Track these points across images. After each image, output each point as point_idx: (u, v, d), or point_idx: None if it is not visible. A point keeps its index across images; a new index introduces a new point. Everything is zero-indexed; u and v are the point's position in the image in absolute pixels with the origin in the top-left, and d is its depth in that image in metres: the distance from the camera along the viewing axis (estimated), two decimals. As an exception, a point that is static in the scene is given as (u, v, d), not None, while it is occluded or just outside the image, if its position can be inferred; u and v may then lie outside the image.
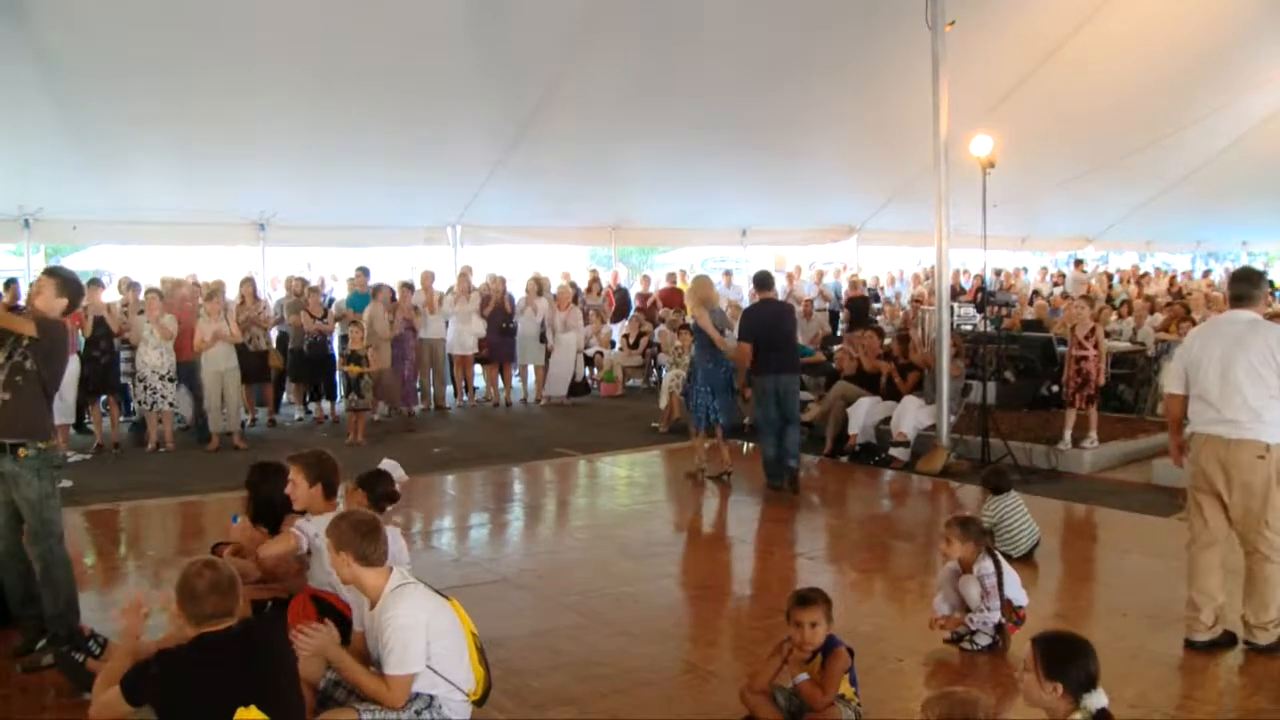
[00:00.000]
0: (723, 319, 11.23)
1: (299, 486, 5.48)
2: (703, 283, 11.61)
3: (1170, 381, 6.33)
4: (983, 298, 12.25)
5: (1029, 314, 17.62)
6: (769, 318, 10.54)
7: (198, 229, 16.34)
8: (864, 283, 22.37)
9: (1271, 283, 13.32)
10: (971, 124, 12.86)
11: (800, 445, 10.69)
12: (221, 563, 4.07)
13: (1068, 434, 11.24)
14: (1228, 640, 5.90)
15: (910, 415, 11.77)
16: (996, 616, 5.81)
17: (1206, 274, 29.01)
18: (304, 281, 15.75)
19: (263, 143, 14.48)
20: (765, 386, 10.34)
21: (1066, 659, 3.55)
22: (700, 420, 10.95)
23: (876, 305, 21.35)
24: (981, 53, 15.14)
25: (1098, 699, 3.51)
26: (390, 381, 14.57)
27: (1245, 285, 6.10)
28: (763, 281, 10.94)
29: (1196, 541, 6.02)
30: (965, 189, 11.84)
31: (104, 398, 13.00)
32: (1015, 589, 5.93)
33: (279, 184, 15.71)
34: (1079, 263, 27.89)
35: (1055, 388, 12.79)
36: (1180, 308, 16.95)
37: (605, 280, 20.60)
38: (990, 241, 12.11)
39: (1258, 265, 32.59)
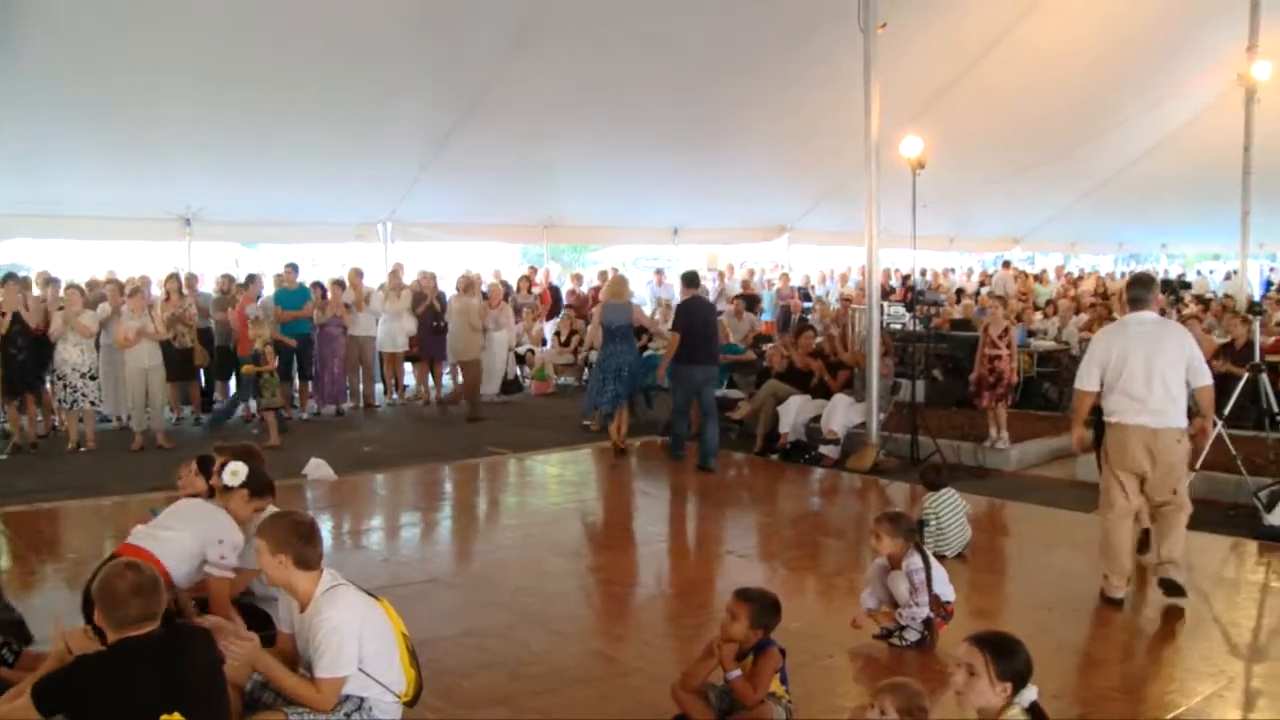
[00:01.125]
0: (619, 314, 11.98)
1: (225, 494, 5.39)
2: (618, 280, 12.90)
3: (1085, 380, 6.90)
4: (912, 297, 12.36)
5: (957, 313, 17.83)
6: (698, 313, 11.56)
7: (121, 223, 16.05)
8: (755, 283, 22.49)
9: (1186, 284, 13.64)
10: (902, 125, 12.98)
11: (718, 442, 11.56)
12: (144, 564, 3.97)
13: (993, 431, 11.41)
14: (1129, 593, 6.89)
15: (840, 413, 11.87)
16: (925, 612, 5.86)
17: (1125, 276, 29.65)
18: (231, 278, 15.51)
19: (188, 135, 14.20)
20: (687, 376, 11.43)
21: (1011, 657, 3.59)
22: (590, 405, 12.61)
23: (808, 304, 21.48)
24: (912, 55, 15.28)
25: (1030, 694, 3.56)
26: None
27: (1141, 289, 6.96)
28: (691, 279, 11.97)
29: (1115, 511, 6.81)
30: (895, 189, 11.95)
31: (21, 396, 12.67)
32: (943, 584, 5.99)
33: (205, 178, 15.41)
34: (1006, 264, 28.30)
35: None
36: (1104, 308, 17.27)
37: (538, 278, 20.55)
38: (920, 241, 12.24)
39: (1175, 267, 33.56)
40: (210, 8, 12.06)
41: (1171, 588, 6.70)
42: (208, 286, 16.10)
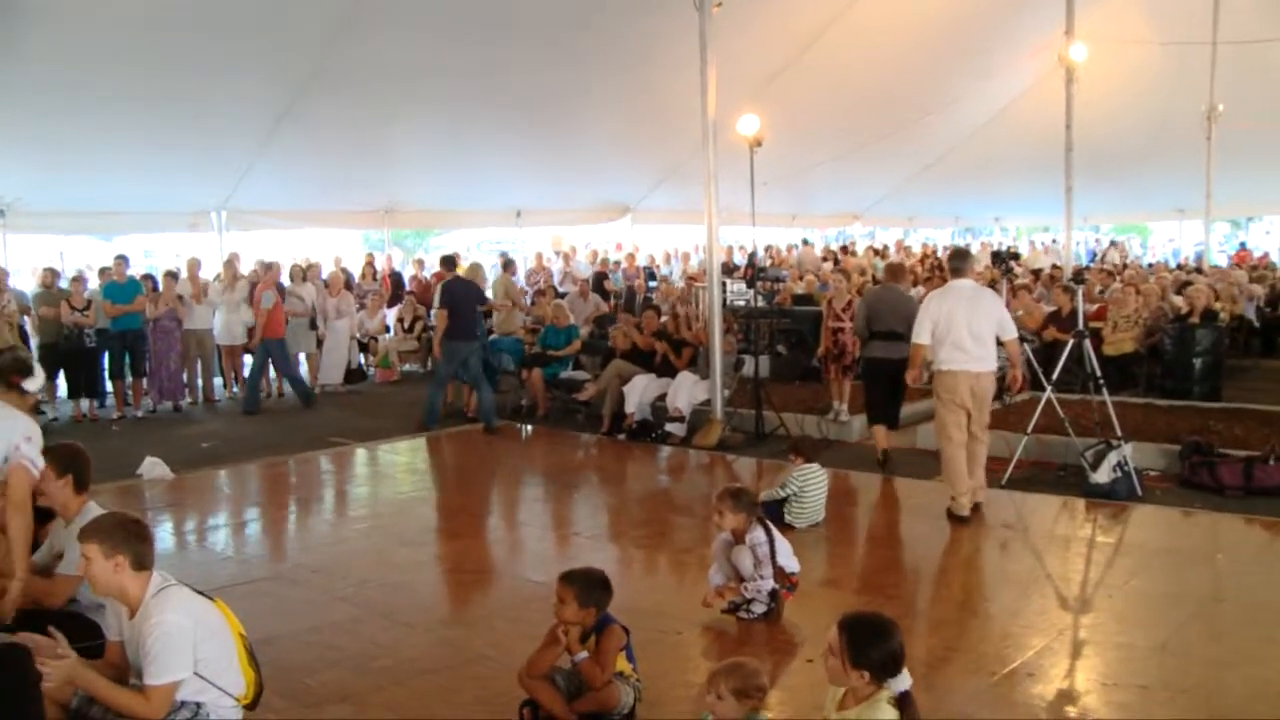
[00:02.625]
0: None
1: (46, 480, 5.14)
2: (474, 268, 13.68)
3: (920, 335, 8.31)
4: (754, 274, 12.51)
5: (800, 289, 18.13)
6: (461, 293, 12.85)
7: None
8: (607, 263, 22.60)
9: (1016, 254, 14.17)
10: (741, 104, 13.10)
11: (493, 404, 12.81)
12: None
13: (836, 404, 11.63)
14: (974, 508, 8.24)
15: (685, 391, 11.96)
16: (770, 584, 5.94)
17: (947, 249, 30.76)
18: (55, 272, 14.85)
19: (4, 124, 13.57)
20: (453, 351, 12.67)
21: (871, 646, 3.55)
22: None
23: (653, 284, 21.62)
24: (750, 35, 15.48)
25: (901, 682, 3.55)
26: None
27: (959, 261, 8.68)
28: (449, 262, 13.84)
29: (953, 443, 8.22)
30: (735, 168, 12.07)
31: None
32: (787, 556, 6.08)
33: (20, 167, 14.73)
34: (845, 248, 28.94)
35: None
36: (940, 279, 17.74)
37: (380, 264, 20.23)
38: (761, 219, 12.39)
39: (1009, 239, 34.80)
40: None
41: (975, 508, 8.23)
42: (23, 281, 15.39)
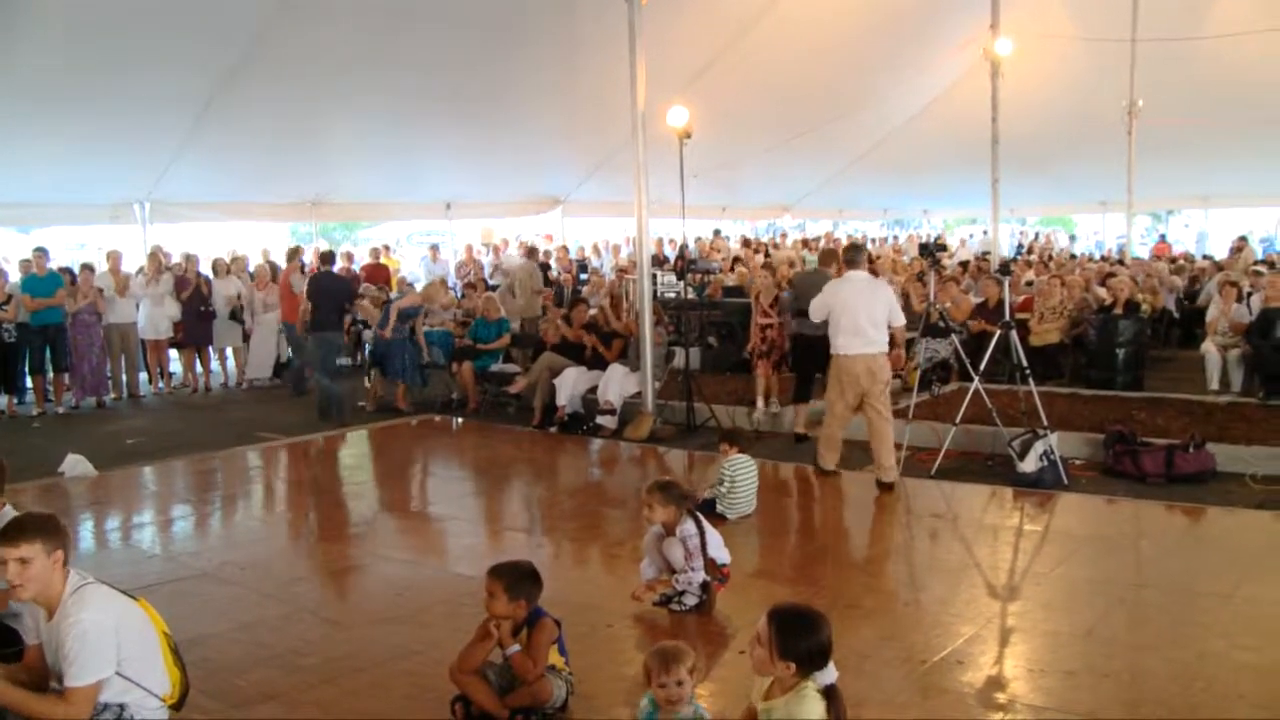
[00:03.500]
0: None
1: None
2: None
3: (815, 313, 9.25)
4: (684, 266, 12.54)
5: (731, 280, 18.19)
6: (326, 286, 13.73)
7: None
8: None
9: (943, 246, 14.37)
10: (670, 96, 13.09)
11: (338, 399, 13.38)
12: None
13: (760, 400, 11.64)
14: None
15: (616, 383, 11.97)
16: (701, 576, 5.96)
17: (895, 240, 31.06)
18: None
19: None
20: (319, 340, 13.49)
21: (799, 637, 3.57)
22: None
23: (584, 276, 21.60)
24: (679, 27, 15.50)
25: (828, 674, 3.58)
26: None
27: (855, 253, 9.68)
28: (326, 257, 14.74)
29: (836, 417, 9.20)
30: (665, 159, 12.08)
31: None
32: (718, 548, 6.10)
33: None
34: (784, 235, 29.09)
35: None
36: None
37: (308, 258, 19.98)
38: (691, 211, 12.41)
39: (937, 230, 35.24)
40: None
41: (884, 487, 8.82)
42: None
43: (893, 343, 9.17)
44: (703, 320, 13.71)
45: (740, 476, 8.06)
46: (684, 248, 14.84)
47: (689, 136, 11.91)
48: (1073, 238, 34.29)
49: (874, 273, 11.88)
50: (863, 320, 8.86)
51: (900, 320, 9.22)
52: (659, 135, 11.95)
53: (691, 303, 12.82)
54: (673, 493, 6.06)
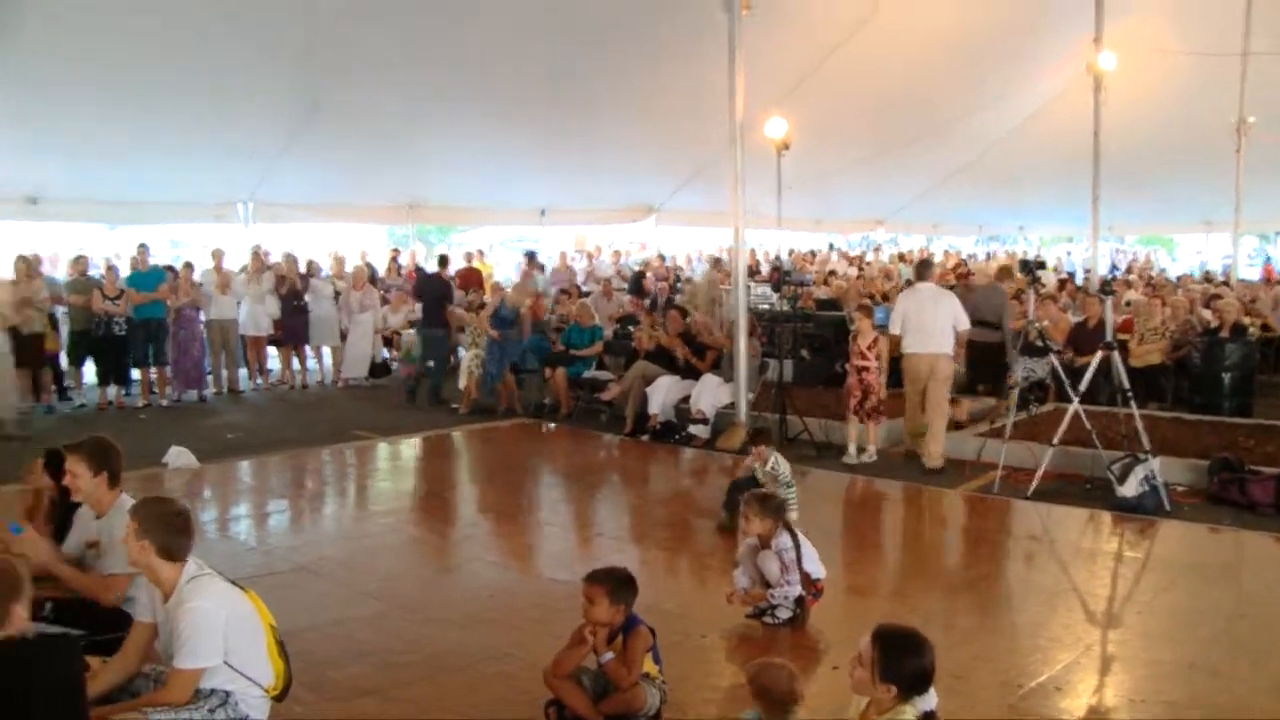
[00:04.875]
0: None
1: (80, 478, 5.15)
2: None
3: (892, 324, 10.88)
4: (780, 278, 12.47)
5: (824, 293, 18.09)
6: (429, 288, 15.50)
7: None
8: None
9: (1042, 264, 14.14)
10: (768, 106, 13.08)
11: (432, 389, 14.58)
12: (8, 563, 3.78)
13: (852, 447, 10.87)
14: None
15: (709, 393, 11.95)
16: (796, 590, 5.93)
17: (989, 257, 30.62)
18: (86, 261, 14.97)
19: (34, 114, 13.64)
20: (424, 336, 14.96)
21: (903, 660, 3.50)
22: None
23: (679, 284, 21.61)
24: (778, 37, 15.40)
25: (928, 700, 3.52)
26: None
27: (923, 269, 11.87)
28: (443, 261, 16.99)
29: (910, 404, 10.75)
30: (762, 170, 12.05)
31: None
32: (813, 563, 6.06)
33: (48, 156, 14.81)
34: (877, 249, 28.84)
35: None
36: (964, 287, 17.69)
37: (404, 260, 20.29)
38: (786, 223, 12.36)
39: (1033, 248, 34.71)
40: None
41: (930, 472, 10.11)
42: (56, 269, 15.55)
43: (957, 342, 10.74)
44: (796, 332, 13.64)
45: (784, 470, 8.07)
46: (779, 259, 14.78)
47: (787, 148, 11.88)
48: (1173, 258, 33.53)
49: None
50: (927, 324, 10.47)
51: (964, 325, 10.70)
52: (755, 145, 11.91)
53: (785, 314, 12.77)
54: (770, 505, 6.06)
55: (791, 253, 24.55)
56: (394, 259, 20.55)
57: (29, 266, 13.78)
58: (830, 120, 19.20)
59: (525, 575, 7.44)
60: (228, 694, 4.18)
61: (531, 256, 22.25)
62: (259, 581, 6.55)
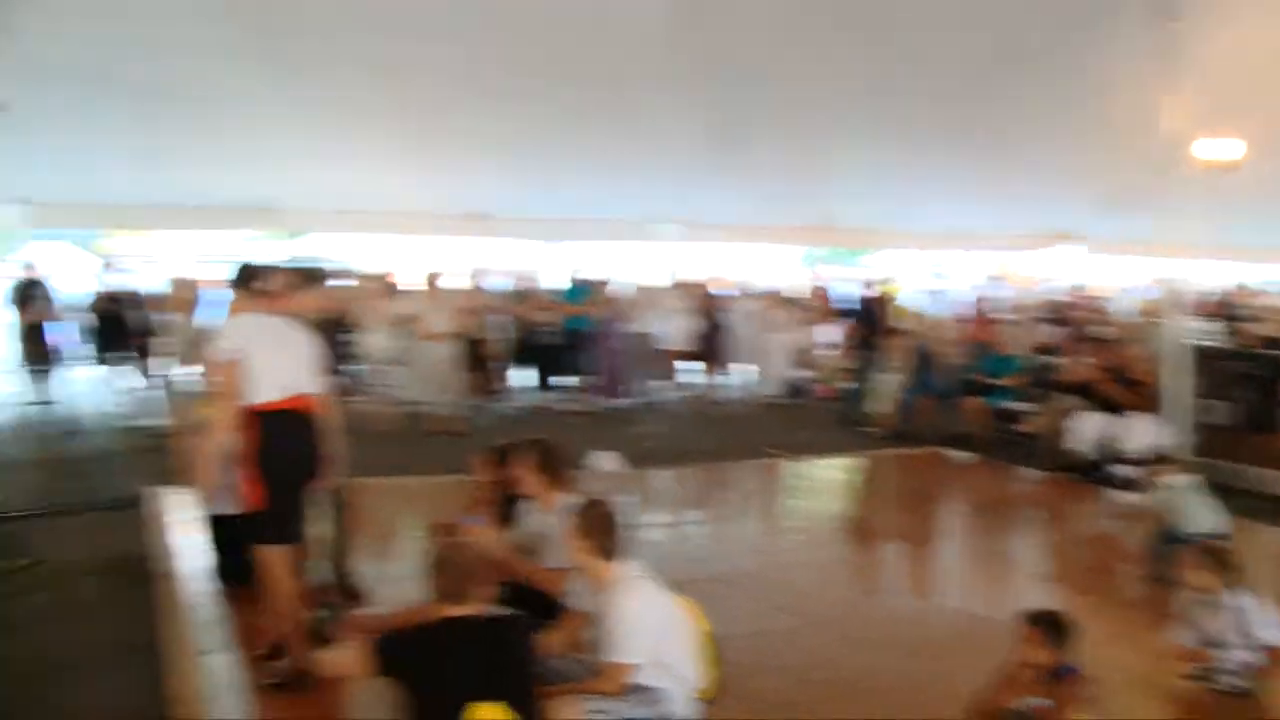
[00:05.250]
0: None
1: (529, 475, 5.58)
2: None
3: None
4: (1229, 313, 11.55)
5: (1269, 330, 16.56)
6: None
7: (415, 218, 17.00)
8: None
9: None
10: (1203, 125, 12.11)
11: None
12: (471, 545, 4.16)
13: None
14: None
15: (1138, 433, 11.22)
16: (1245, 655, 5.41)
17: None
18: (531, 274, 16.28)
19: (487, 134, 14.75)
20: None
21: None
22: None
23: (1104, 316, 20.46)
24: (1212, 51, 14.30)
25: None
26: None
27: None
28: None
29: None
30: (1204, 194, 11.17)
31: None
32: (1269, 627, 5.45)
33: (498, 178, 16.05)
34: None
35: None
36: None
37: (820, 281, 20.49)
38: (1226, 252, 11.44)
39: None
40: (504, 22, 12.47)
41: None
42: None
43: None
44: (1238, 372, 12.59)
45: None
46: (1225, 294, 13.74)
47: (1236, 169, 10.98)
48: None
49: None
50: None
51: None
52: (1193, 166, 11.07)
53: (1231, 353, 11.84)
54: (1215, 557, 5.58)
55: (1238, 287, 22.60)
56: (815, 280, 20.75)
57: (478, 279, 15.04)
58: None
59: (941, 606, 7.30)
60: (657, 691, 4.39)
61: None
62: (681, 588, 6.79)
